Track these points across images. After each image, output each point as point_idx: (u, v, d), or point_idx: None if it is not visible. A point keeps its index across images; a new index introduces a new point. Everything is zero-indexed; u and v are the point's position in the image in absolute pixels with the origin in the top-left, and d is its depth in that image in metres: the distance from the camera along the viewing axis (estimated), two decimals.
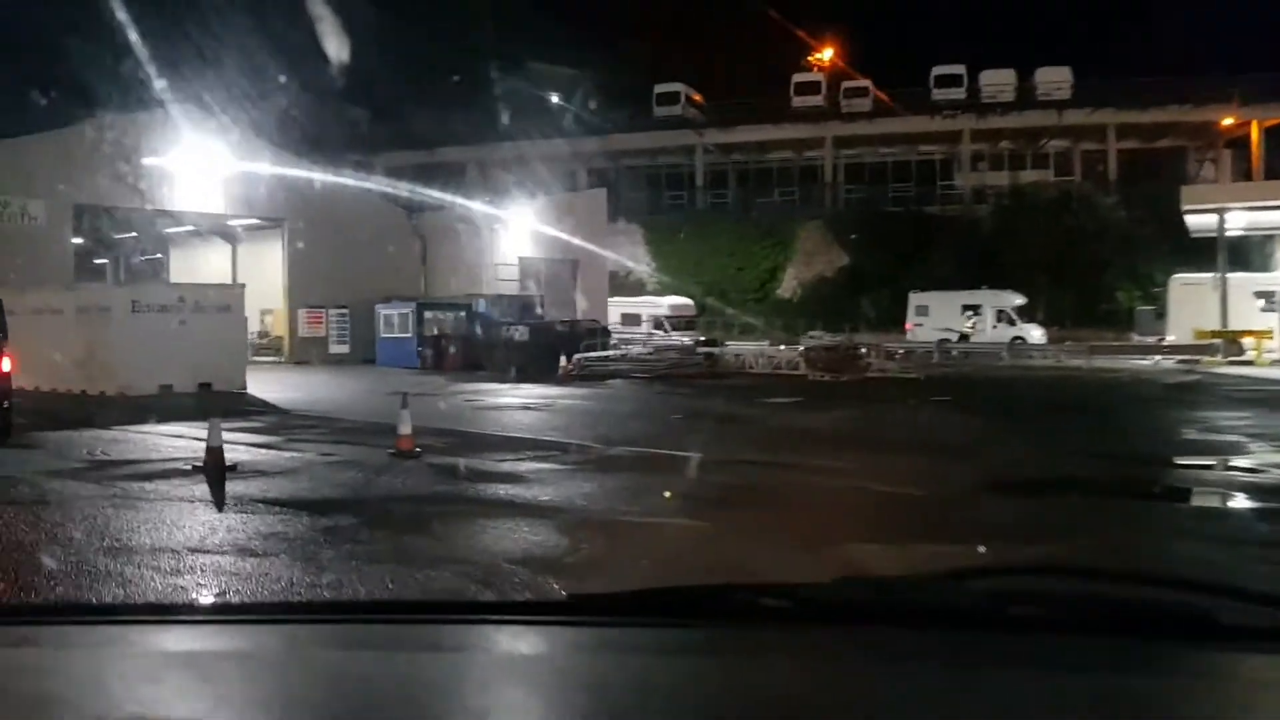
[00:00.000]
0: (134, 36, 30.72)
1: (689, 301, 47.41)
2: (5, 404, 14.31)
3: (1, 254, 32.85)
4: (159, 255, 49.75)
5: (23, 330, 28.28)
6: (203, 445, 12.71)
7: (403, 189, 45.28)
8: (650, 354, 32.53)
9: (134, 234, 46.16)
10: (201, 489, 11.53)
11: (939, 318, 44.25)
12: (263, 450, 14.69)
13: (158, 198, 37.35)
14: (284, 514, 10.02)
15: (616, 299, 47.16)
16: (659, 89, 60.16)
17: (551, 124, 55.81)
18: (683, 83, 60.21)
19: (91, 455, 14.30)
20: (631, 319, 44.63)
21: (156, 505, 10.70)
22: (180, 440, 15.69)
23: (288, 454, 14.29)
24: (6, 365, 14.45)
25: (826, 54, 61.40)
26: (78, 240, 45.65)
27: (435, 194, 45.12)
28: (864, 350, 33.24)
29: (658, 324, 44.24)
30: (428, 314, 37.43)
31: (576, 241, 41.38)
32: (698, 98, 61.09)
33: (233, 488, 11.48)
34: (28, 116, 33.76)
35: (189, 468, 12.69)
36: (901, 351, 37.51)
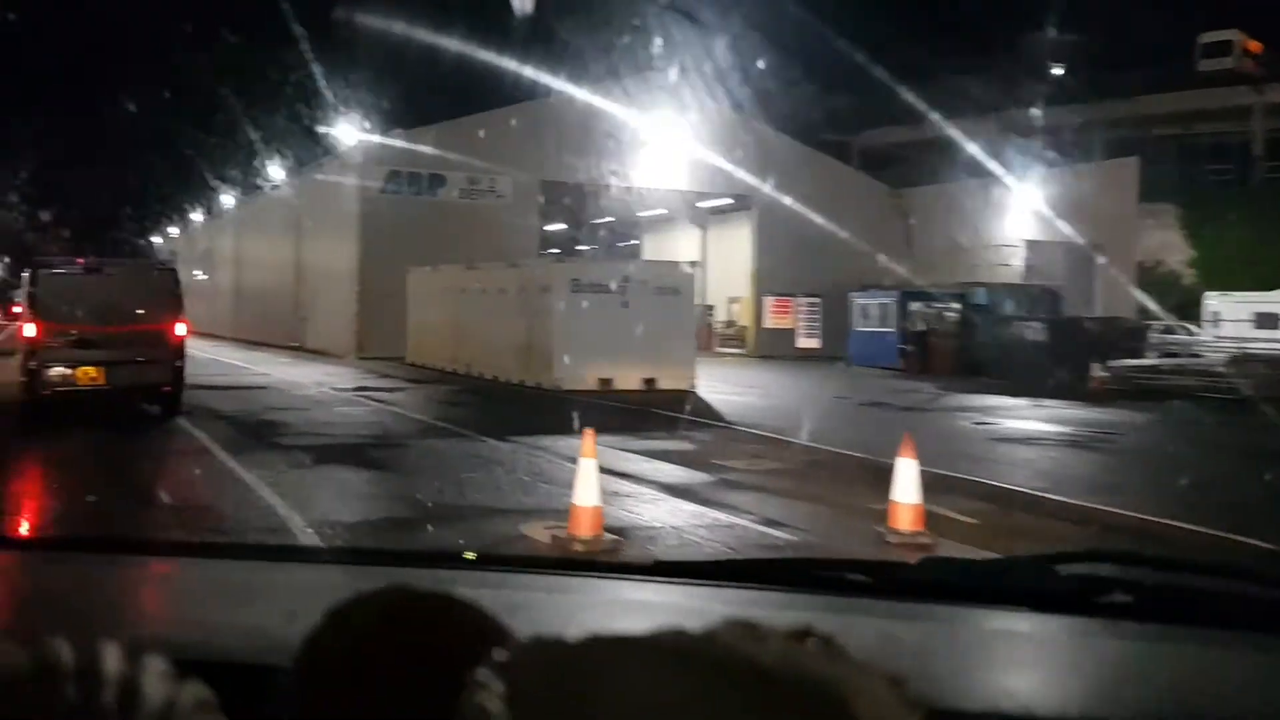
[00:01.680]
0: (605, 8, 27.73)
1: None
2: (178, 363, 14.82)
3: (470, 231, 31.28)
4: (634, 240, 48.03)
5: (470, 310, 26.31)
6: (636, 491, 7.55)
7: (884, 163, 39.45)
8: (1225, 363, 23.45)
9: (610, 218, 44.48)
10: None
11: None
12: (674, 503, 9.33)
13: (625, 174, 34.34)
14: None
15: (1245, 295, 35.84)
16: (1205, 38, 48.53)
17: (1059, 87, 46.74)
18: (1236, 29, 48.09)
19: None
20: (1269, 319, 32.82)
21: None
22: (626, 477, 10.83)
23: (710, 517, 8.75)
24: (181, 330, 14.94)
25: None
26: (559, 227, 44.92)
27: (922, 169, 38.86)
28: None
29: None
30: (914, 305, 30.94)
31: (1073, 224, 32.69)
32: (1254, 46, 48.56)
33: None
34: (495, 90, 31.86)
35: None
36: None
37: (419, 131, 31.89)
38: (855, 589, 1.63)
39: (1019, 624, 1.54)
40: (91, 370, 14.12)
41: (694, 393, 20.73)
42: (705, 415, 16.78)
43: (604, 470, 9.87)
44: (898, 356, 30.06)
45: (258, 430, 13.92)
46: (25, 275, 15.46)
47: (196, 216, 59.17)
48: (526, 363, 21.74)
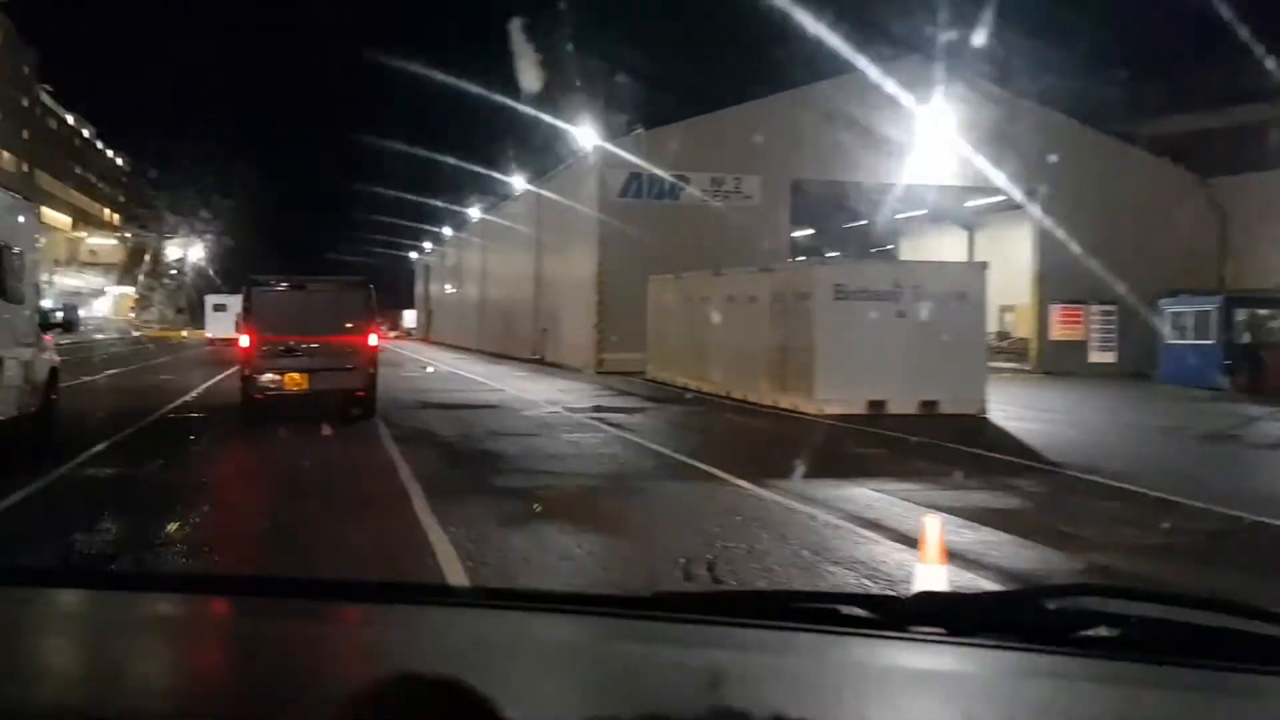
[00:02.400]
0: None
1: None
2: (371, 370, 15.80)
3: (715, 237, 28.66)
4: (888, 246, 44.13)
5: (715, 321, 23.42)
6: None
7: (1179, 153, 33.87)
8: None
9: (862, 221, 40.90)
10: None
11: None
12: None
13: (883, 170, 30.78)
14: None
15: None
16: None
17: None
18: None
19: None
20: None
21: None
22: (890, 550, 7.93)
23: None
24: (374, 340, 15.97)
25: None
26: (805, 232, 41.74)
27: (1231, 158, 33.06)
28: None
29: None
30: (1240, 313, 25.78)
31: None
32: None
33: None
34: (740, 83, 29.16)
35: None
36: None
37: (660, 132, 29.62)
38: (849, 623, 1.61)
39: (1001, 661, 1.50)
40: (297, 376, 15.30)
41: (987, 419, 17.14)
42: (1015, 452, 13.25)
43: (906, 540, 6.90)
44: (1221, 374, 25.01)
45: (472, 464, 11.65)
46: (220, 299, 18.06)
47: (447, 231, 59.82)
48: (781, 382, 18.78)
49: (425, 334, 71.63)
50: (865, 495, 9.67)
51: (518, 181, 38.99)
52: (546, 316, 35.72)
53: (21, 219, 12.97)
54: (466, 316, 53.81)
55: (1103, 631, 1.53)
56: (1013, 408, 18.52)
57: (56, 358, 13.18)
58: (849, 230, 41.88)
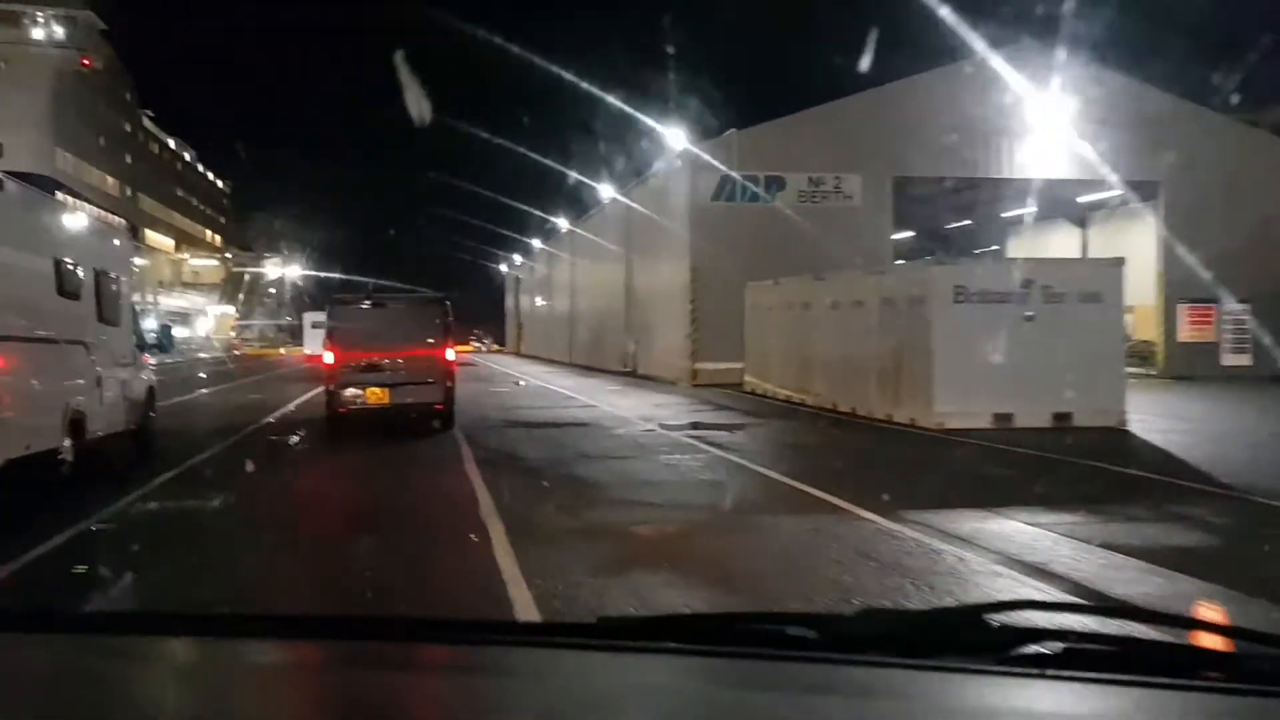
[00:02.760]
0: None
1: None
2: (449, 384, 16.07)
3: (813, 240, 27.18)
4: (994, 246, 41.94)
5: (819, 329, 22.06)
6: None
7: None
8: None
9: (965, 222, 38.91)
10: None
11: None
12: None
13: (992, 164, 28.97)
14: None
15: None
16: None
17: None
18: None
19: None
20: None
21: None
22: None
23: None
24: (451, 354, 16.24)
25: None
26: (904, 235, 39.89)
27: None
28: None
29: None
30: None
31: None
32: None
33: None
34: (836, 79, 27.68)
35: None
36: None
37: (753, 132, 28.28)
38: (797, 644, 1.59)
39: (945, 680, 1.46)
40: (378, 391, 15.68)
41: (1129, 432, 15.39)
42: (1175, 472, 11.58)
43: (1088, 593, 5.67)
44: None
45: (561, 494, 10.45)
46: (318, 316, 17.35)
47: (536, 244, 59.22)
48: (895, 393, 17.26)
49: (516, 347, 71.27)
50: (1020, 531, 8.19)
51: (606, 190, 37.98)
52: (638, 328, 34.58)
53: (117, 244, 14.02)
54: (556, 329, 53.07)
55: (1047, 647, 1.50)
56: (1152, 418, 16.72)
57: (154, 377, 14.23)
58: (951, 231, 39.92)
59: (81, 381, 11.15)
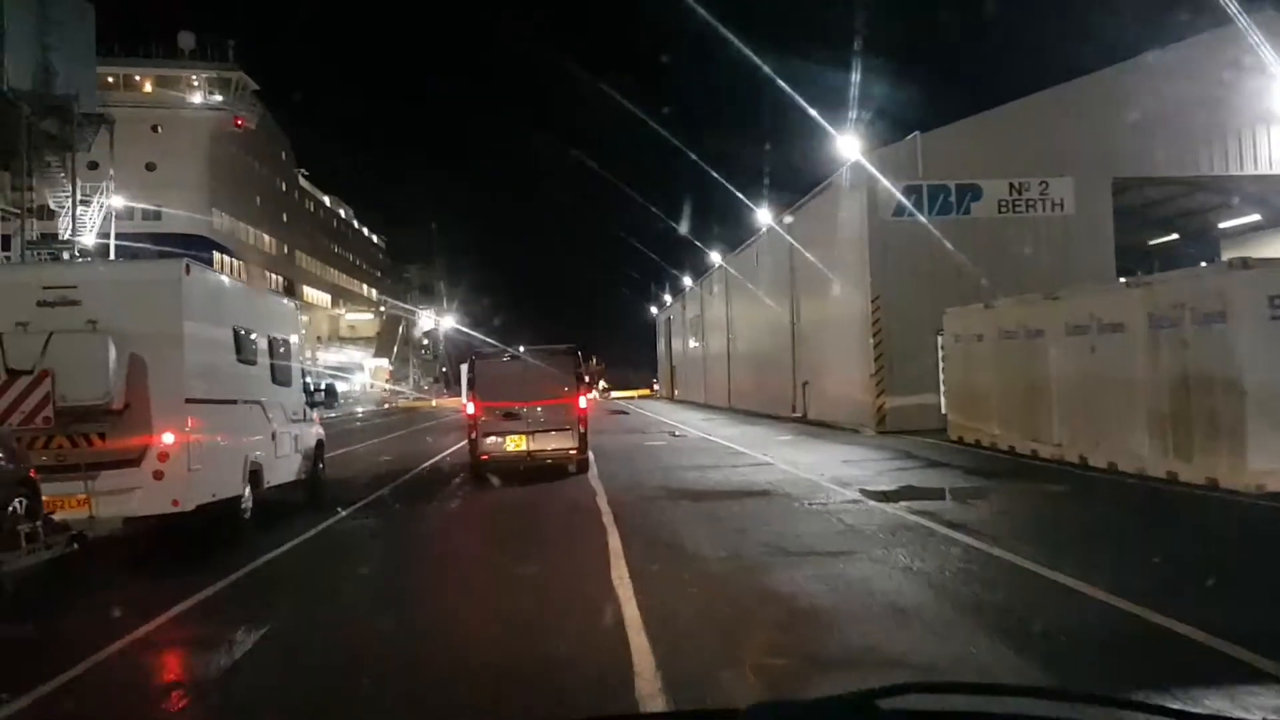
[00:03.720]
0: None
1: None
2: (583, 430, 16.47)
3: (1019, 256, 22.82)
4: (1205, 261, 36.18)
5: (1054, 360, 17.56)
6: None
7: None
8: None
9: (1172, 236, 33.44)
10: None
11: None
12: None
13: (1226, 160, 23.95)
14: None
15: None
16: None
17: None
18: None
19: None
20: None
21: None
22: None
23: None
24: (584, 403, 16.79)
25: None
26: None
27: None
28: None
29: None
30: None
31: None
32: None
33: None
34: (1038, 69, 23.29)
35: None
36: None
37: (941, 134, 24.04)
38: None
39: None
40: (517, 439, 16.24)
41: None
42: None
43: None
44: None
45: (760, 638, 6.56)
46: (464, 365, 18.18)
47: (687, 282, 55.77)
48: (1181, 442, 12.77)
49: (670, 392, 67.83)
50: None
51: (764, 216, 34.09)
52: (807, 368, 30.46)
53: (286, 311, 15.34)
54: (713, 372, 49.34)
55: None
56: None
57: (322, 430, 15.39)
58: (1157, 245, 34.45)
59: (259, 437, 12.35)
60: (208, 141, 64.71)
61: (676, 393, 64.37)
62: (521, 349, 17.94)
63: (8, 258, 41.28)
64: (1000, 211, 23.77)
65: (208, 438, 10.66)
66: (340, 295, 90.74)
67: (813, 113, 22.47)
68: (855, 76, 23.14)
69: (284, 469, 13.16)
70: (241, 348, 12.02)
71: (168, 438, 10.01)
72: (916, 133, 23.87)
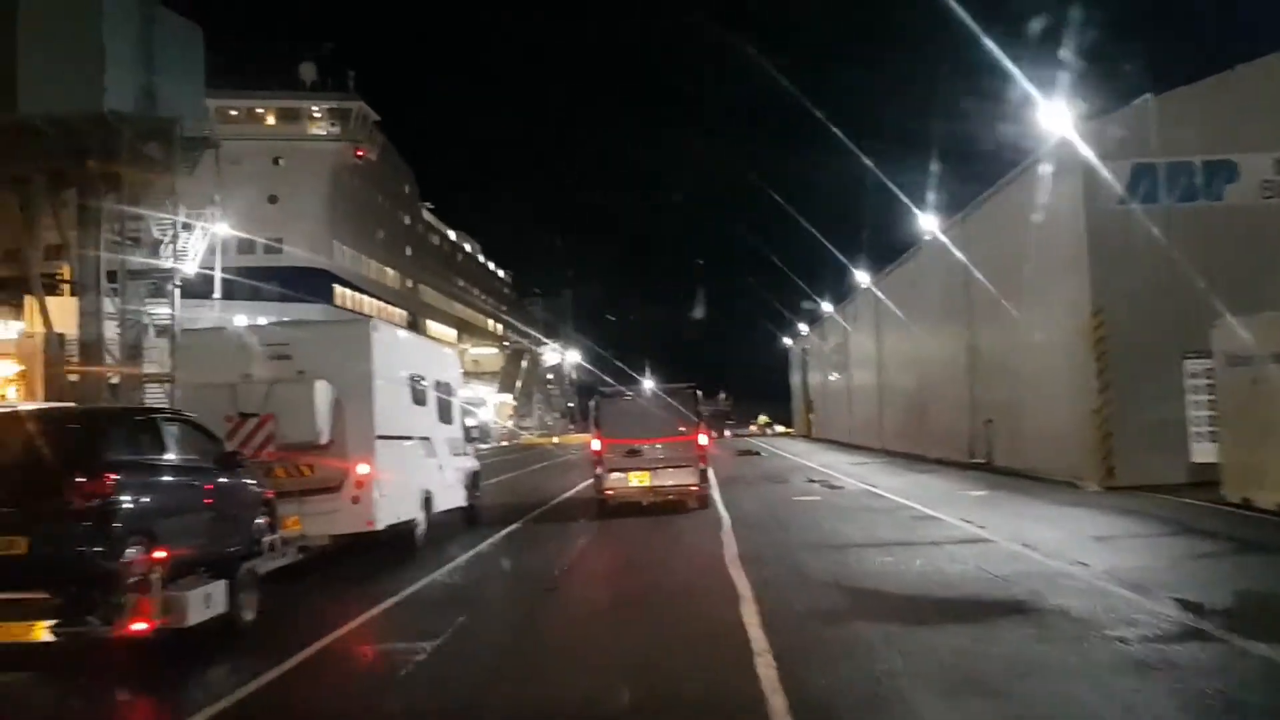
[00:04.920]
0: None
1: None
2: (703, 466, 16.85)
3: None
4: None
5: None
6: None
7: None
8: None
9: None
10: None
11: None
12: None
13: None
14: None
15: None
16: None
17: None
18: None
19: None
20: None
21: None
22: None
23: None
24: (703, 440, 17.04)
25: None
26: None
27: None
28: None
29: None
30: None
31: None
32: None
33: None
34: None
35: None
36: None
37: (1178, 96, 18.25)
38: None
39: None
40: (640, 475, 16.67)
41: None
42: None
43: None
44: None
45: None
46: (591, 403, 19.08)
47: (827, 308, 50.20)
48: None
49: (805, 429, 62.09)
50: None
51: (927, 222, 28.51)
52: (990, 402, 24.68)
53: (449, 358, 17.54)
54: (860, 407, 43.63)
55: None
56: None
57: (478, 463, 17.39)
58: None
59: (430, 469, 14.26)
60: (329, 174, 62.58)
61: (813, 430, 58.68)
62: (644, 387, 18.92)
63: (114, 289, 38.90)
64: (1266, 196, 17.90)
65: (392, 469, 12.28)
66: (464, 330, 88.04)
67: (1012, 72, 17.02)
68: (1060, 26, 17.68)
69: (449, 497, 15.07)
70: (415, 391, 13.84)
71: (362, 469, 11.74)
72: (1147, 95, 18.15)
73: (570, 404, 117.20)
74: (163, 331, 38.18)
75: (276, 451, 11.03)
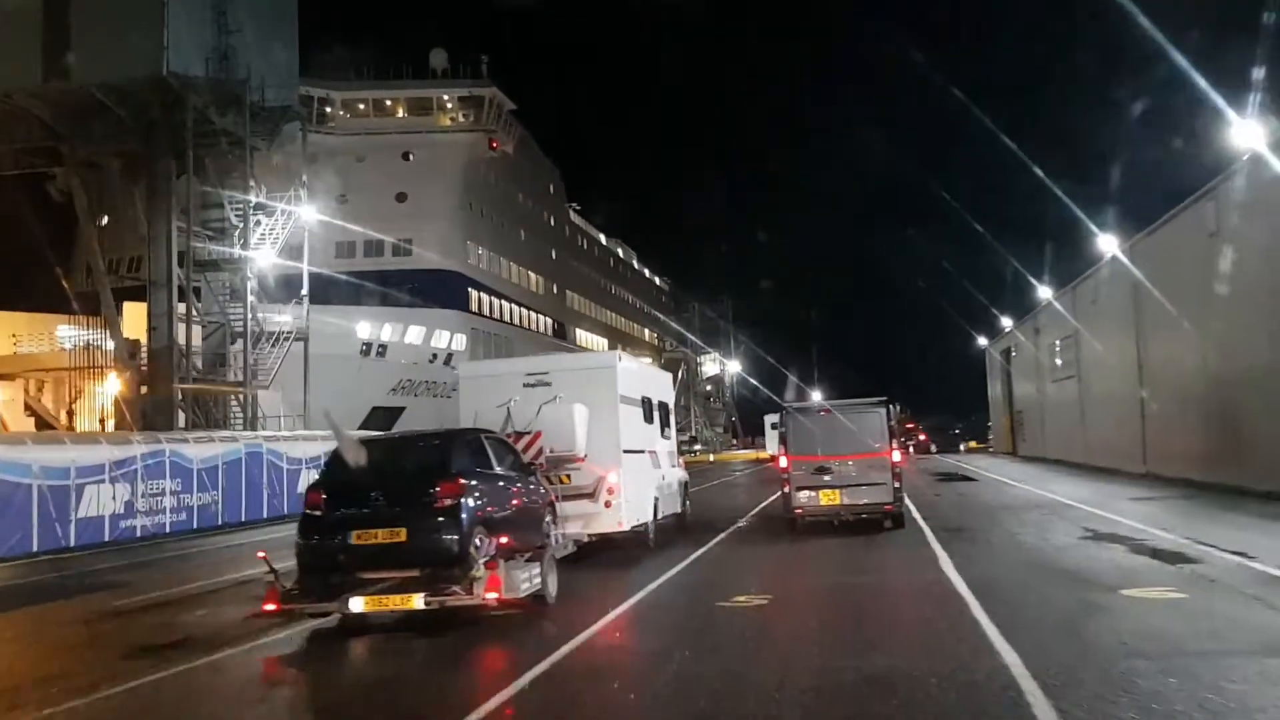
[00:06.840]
0: None
1: None
2: (897, 485, 16.42)
3: None
4: None
5: None
6: None
7: None
8: None
9: None
10: None
11: None
12: None
13: None
14: None
15: None
16: None
17: None
18: None
19: None
20: None
21: None
22: None
23: None
24: (897, 456, 16.66)
25: None
26: None
27: None
28: None
29: None
30: None
31: None
32: None
33: None
34: None
35: None
36: None
37: None
38: None
39: None
40: (831, 493, 16.40)
41: None
42: None
43: None
44: None
45: None
46: (777, 418, 19.56)
47: (1044, 292, 40.23)
48: None
49: (1009, 445, 51.77)
50: None
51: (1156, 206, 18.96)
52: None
53: (666, 380, 18.95)
54: (1098, 418, 33.65)
55: None
56: None
57: (688, 475, 19.33)
58: None
59: (656, 478, 16.22)
60: (461, 169, 56.58)
61: (1020, 448, 48.44)
62: (832, 402, 18.37)
63: (197, 288, 33.10)
64: None
65: (633, 477, 14.69)
66: (616, 338, 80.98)
67: None
68: None
69: (669, 504, 17.07)
70: (645, 410, 16.00)
71: (613, 478, 14.11)
72: None
73: (733, 417, 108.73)
74: (238, 336, 32.14)
75: (545, 463, 13.09)
